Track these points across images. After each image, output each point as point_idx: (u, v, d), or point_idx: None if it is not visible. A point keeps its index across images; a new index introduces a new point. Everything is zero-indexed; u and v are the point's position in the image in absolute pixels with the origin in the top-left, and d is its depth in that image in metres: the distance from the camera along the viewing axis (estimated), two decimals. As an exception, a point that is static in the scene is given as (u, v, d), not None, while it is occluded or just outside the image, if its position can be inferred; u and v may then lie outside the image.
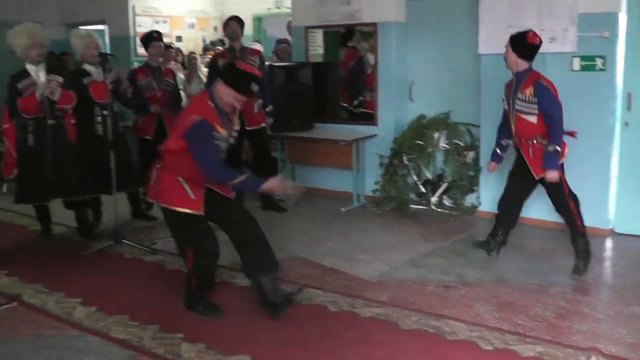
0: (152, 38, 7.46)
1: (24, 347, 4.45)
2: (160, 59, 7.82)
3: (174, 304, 5.07)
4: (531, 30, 5.35)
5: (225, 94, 4.56)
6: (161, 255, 6.31)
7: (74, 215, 6.96)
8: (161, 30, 8.16)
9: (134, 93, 7.28)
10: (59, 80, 6.40)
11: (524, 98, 5.35)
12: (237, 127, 4.95)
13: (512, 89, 5.48)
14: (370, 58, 8.43)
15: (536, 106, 5.29)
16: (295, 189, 5.00)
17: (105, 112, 6.62)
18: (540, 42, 5.36)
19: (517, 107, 5.41)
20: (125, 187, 6.91)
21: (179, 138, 4.57)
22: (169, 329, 4.63)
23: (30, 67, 6.37)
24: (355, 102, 8.71)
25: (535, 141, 5.40)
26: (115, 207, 6.67)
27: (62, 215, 7.26)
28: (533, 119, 5.34)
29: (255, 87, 4.62)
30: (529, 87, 5.30)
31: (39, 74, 6.38)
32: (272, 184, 4.61)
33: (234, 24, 7.48)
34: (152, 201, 5.03)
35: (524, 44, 5.34)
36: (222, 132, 4.62)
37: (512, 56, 5.39)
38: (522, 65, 5.38)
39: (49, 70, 6.52)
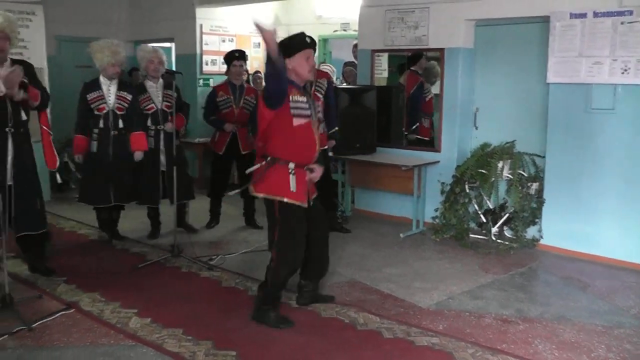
0: (233, 57, 7.67)
1: (79, 353, 4.54)
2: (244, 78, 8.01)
3: (229, 321, 5.09)
4: None
5: (299, 64, 4.86)
6: (218, 272, 6.33)
7: (150, 222, 7.55)
8: (227, 49, 8.28)
9: (211, 109, 7.70)
10: (125, 97, 6.87)
11: None
12: (319, 107, 5.25)
13: None
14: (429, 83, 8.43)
15: None
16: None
17: (159, 127, 7.02)
18: None
19: None
20: (180, 198, 7.04)
21: (263, 109, 4.82)
22: (223, 345, 4.63)
23: (103, 80, 6.73)
24: (412, 128, 8.63)
25: None
26: (174, 220, 6.78)
27: (121, 227, 7.49)
28: None
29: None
30: None
31: (110, 87, 6.75)
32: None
33: None
34: (257, 195, 5.01)
35: None
36: (300, 97, 4.86)
37: None
38: None
39: (122, 87, 6.87)
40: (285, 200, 4.84)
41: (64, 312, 5.24)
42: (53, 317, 5.13)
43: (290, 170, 4.86)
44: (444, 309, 5.43)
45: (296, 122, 4.82)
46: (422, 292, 5.82)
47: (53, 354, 4.52)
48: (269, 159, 4.90)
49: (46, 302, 5.48)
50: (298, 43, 4.89)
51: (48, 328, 4.93)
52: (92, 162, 6.88)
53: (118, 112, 6.80)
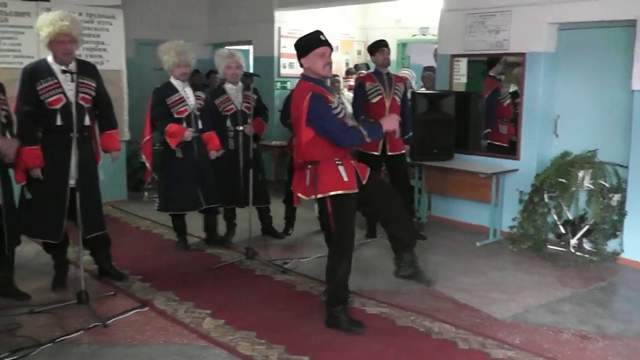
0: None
1: (153, 351, 4.61)
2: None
3: (302, 326, 5.08)
4: None
5: (313, 62, 4.96)
6: (292, 275, 6.33)
7: (203, 224, 7.36)
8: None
9: (287, 112, 7.54)
10: (202, 96, 6.91)
11: None
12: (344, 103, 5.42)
13: None
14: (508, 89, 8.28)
15: None
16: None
17: (238, 128, 7.05)
18: None
19: None
20: (255, 203, 7.02)
21: (305, 128, 4.89)
22: (296, 350, 4.62)
23: (175, 82, 6.77)
24: (484, 133, 8.50)
25: None
26: (249, 222, 6.80)
27: (196, 227, 7.53)
28: None
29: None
30: None
31: (185, 89, 6.77)
32: (387, 125, 5.09)
33: (387, 50, 7.50)
34: (306, 198, 5.13)
35: None
36: (333, 100, 4.98)
37: None
38: None
39: (193, 87, 6.90)
40: (339, 192, 4.92)
41: (138, 310, 5.34)
42: (127, 314, 5.24)
43: (337, 162, 4.97)
44: (520, 321, 5.29)
45: None
46: (498, 303, 5.69)
47: (127, 350, 4.60)
48: (314, 163, 5.00)
49: (121, 300, 5.60)
50: (312, 41, 4.99)
51: (122, 325, 5.03)
52: (177, 168, 6.78)
53: (197, 113, 6.78)
